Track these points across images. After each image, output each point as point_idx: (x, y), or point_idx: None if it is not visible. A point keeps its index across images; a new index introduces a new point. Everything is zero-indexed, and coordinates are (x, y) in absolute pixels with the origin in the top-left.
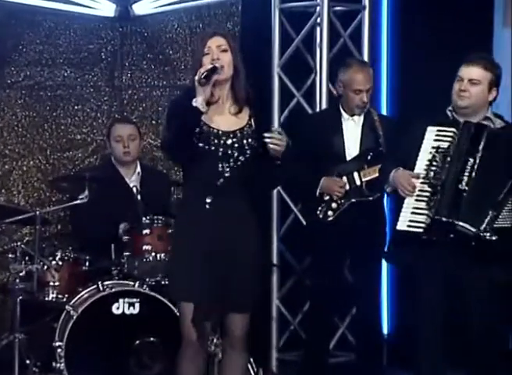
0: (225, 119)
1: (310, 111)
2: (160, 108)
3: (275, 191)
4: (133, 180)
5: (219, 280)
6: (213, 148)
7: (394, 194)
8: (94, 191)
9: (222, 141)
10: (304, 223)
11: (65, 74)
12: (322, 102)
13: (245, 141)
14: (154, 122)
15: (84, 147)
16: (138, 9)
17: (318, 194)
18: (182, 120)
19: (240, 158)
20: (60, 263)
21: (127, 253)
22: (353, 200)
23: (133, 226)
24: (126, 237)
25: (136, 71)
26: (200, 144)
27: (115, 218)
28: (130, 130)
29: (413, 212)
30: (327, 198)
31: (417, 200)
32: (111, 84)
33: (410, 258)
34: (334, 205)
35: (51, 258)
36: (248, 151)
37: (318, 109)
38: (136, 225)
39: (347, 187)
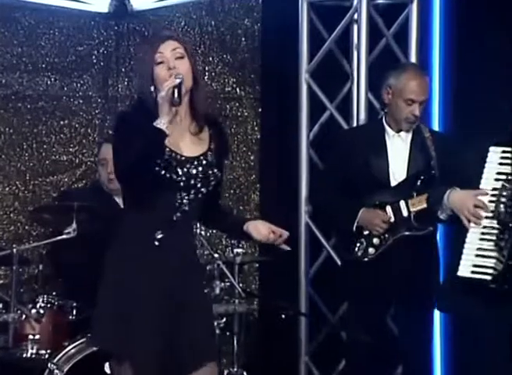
0: (186, 141)
1: (345, 126)
2: None
3: (303, 224)
4: None
5: (165, 336)
6: (175, 176)
7: (446, 222)
8: (83, 224)
9: (185, 169)
10: (339, 262)
11: (49, 82)
12: (360, 115)
13: (210, 171)
14: None
15: (71, 170)
16: (137, 4)
17: (355, 227)
18: (142, 144)
19: (203, 189)
20: (41, 312)
21: None
22: (399, 235)
23: None
24: None
25: (135, 78)
26: (162, 172)
27: None
28: None
29: (478, 255)
30: (367, 232)
31: (482, 239)
32: (104, 94)
33: (472, 310)
34: (376, 240)
35: (30, 306)
36: (212, 183)
37: (355, 124)
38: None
39: (392, 219)
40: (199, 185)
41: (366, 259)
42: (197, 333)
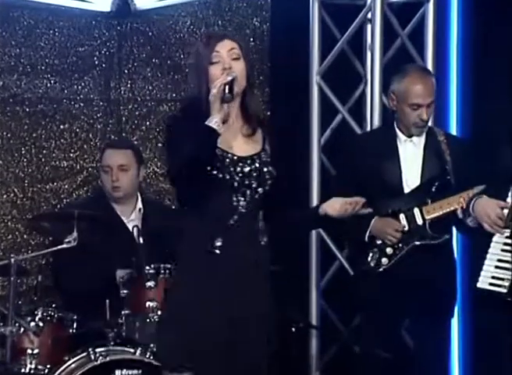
0: (239, 141)
1: (358, 130)
2: None
3: (314, 233)
4: (132, 219)
5: (227, 348)
6: (228, 176)
7: (474, 229)
8: (84, 233)
9: (238, 169)
10: (351, 273)
11: (49, 85)
12: (374, 119)
13: (265, 169)
14: (160, 145)
15: (72, 176)
16: (141, 2)
17: (368, 236)
18: (194, 144)
19: (259, 189)
20: (41, 325)
21: (126, 311)
22: (414, 244)
23: (133, 276)
24: (125, 291)
25: (138, 80)
26: (214, 172)
27: (111, 267)
28: (122, 157)
29: (497, 267)
30: (380, 241)
31: (504, 250)
32: (106, 97)
33: (491, 322)
34: (389, 250)
35: (29, 319)
36: (268, 181)
37: (368, 128)
38: (137, 275)
39: (405, 227)
40: (254, 185)
41: (379, 270)
42: (251, 353)
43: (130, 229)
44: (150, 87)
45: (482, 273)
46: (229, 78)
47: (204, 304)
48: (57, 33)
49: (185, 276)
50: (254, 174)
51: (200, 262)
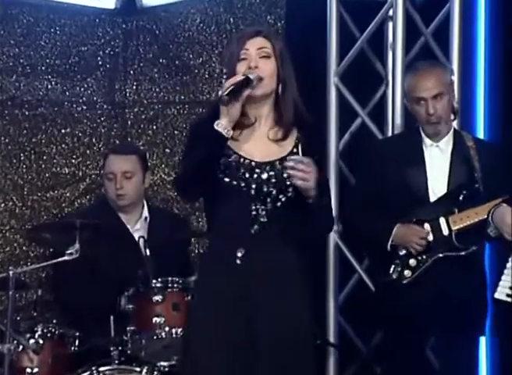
0: (261, 146)
1: (379, 135)
2: (176, 132)
3: (331, 243)
4: (138, 229)
5: (255, 370)
6: (243, 183)
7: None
8: (86, 244)
9: (255, 175)
10: (372, 286)
11: (49, 86)
12: (396, 123)
13: (286, 175)
14: (167, 150)
15: (74, 184)
16: None
17: (390, 246)
18: (203, 149)
19: (281, 197)
20: (41, 342)
21: (131, 327)
22: (440, 255)
23: (139, 290)
24: (131, 306)
25: (145, 82)
26: (227, 179)
27: (116, 280)
28: (126, 164)
29: None
30: (403, 252)
31: None
32: (110, 100)
33: None
34: (412, 261)
35: (28, 336)
36: (291, 188)
37: (389, 132)
38: (143, 289)
39: (430, 237)
40: (274, 192)
41: (401, 283)
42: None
43: (136, 239)
44: (157, 89)
45: (500, 283)
46: (239, 78)
47: (226, 319)
48: (58, 32)
49: (207, 289)
50: (273, 180)
51: (222, 274)
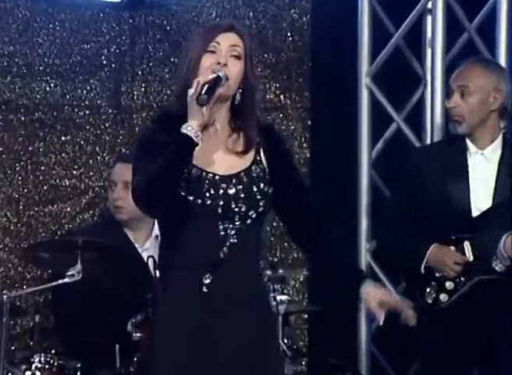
0: (222, 156)
1: (416, 142)
2: None
3: (363, 265)
4: (147, 248)
5: None
6: (208, 201)
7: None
8: (89, 265)
9: (221, 191)
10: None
11: (48, 89)
12: (435, 129)
13: (255, 188)
14: None
15: (75, 198)
16: None
17: (424, 268)
18: (164, 156)
19: (251, 213)
20: (38, 374)
21: (139, 358)
22: (480, 278)
23: (148, 317)
24: (138, 335)
25: (154, 83)
26: (190, 198)
27: (122, 305)
28: (129, 172)
29: None
30: (439, 274)
31: None
32: (116, 104)
33: None
34: (449, 284)
35: (24, 367)
36: (262, 202)
37: (428, 140)
38: (152, 315)
39: (470, 258)
40: (243, 208)
41: (437, 308)
42: None
43: (145, 259)
44: (168, 92)
45: None
46: (211, 77)
47: (192, 352)
48: (58, 28)
49: (170, 318)
50: (242, 195)
51: (187, 302)
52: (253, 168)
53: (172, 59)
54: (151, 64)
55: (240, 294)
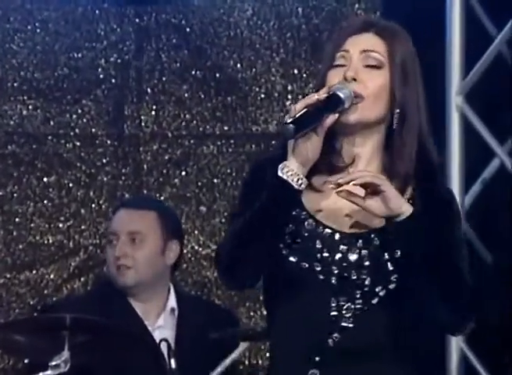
0: (354, 208)
1: None
2: (216, 180)
3: (453, 350)
4: (160, 326)
5: None
6: (319, 267)
7: None
8: (80, 352)
9: (338, 255)
10: None
11: (25, 112)
12: None
13: (387, 256)
14: (203, 208)
15: (61, 260)
16: None
17: None
18: (260, 206)
19: (378, 290)
20: None
21: None
22: None
23: None
24: None
25: (169, 105)
26: (292, 259)
27: None
28: (136, 221)
29: None
30: None
31: None
32: (117, 132)
33: None
34: None
35: None
36: (393, 276)
37: None
38: None
39: None
40: (368, 282)
41: None
42: None
43: (157, 342)
44: (187, 116)
45: None
46: (316, 97)
47: None
48: (38, 31)
49: None
50: (367, 264)
51: None
52: (390, 228)
53: (193, 72)
54: (164, 79)
55: None
